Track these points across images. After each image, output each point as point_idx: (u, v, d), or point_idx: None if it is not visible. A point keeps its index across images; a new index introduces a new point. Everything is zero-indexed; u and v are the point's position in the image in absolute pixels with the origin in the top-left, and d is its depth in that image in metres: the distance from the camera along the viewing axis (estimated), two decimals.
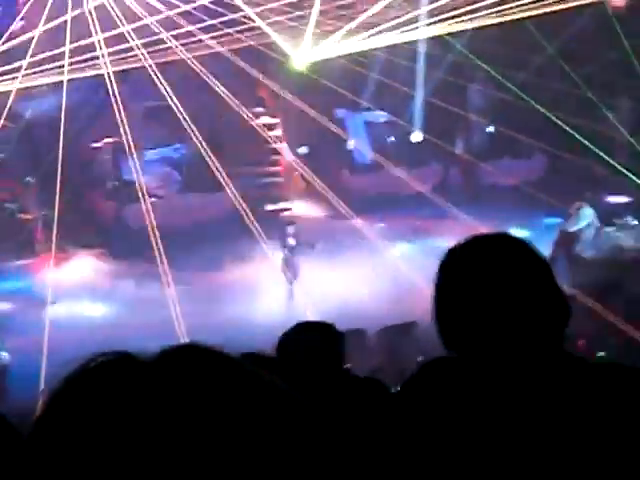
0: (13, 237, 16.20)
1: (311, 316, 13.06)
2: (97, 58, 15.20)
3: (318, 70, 16.44)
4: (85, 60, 15.30)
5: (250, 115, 16.46)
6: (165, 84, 15.31)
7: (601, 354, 10.32)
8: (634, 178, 16.47)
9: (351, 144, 20.02)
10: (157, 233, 14.54)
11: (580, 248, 16.20)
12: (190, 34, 15.86)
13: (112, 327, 13.67)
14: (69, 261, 16.45)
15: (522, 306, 2.01)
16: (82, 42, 15.05)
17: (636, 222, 17.14)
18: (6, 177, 17.27)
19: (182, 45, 15.74)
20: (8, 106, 15.33)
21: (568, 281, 12.39)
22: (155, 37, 15.50)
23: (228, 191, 16.25)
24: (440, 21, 15.87)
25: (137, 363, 0.93)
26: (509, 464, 1.94)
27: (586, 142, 16.08)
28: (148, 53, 15.41)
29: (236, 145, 16.95)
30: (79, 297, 15.33)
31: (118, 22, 15.04)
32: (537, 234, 15.42)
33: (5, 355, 12.97)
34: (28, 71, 15.40)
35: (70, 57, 15.13)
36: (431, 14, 16.04)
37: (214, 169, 15.63)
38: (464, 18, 15.40)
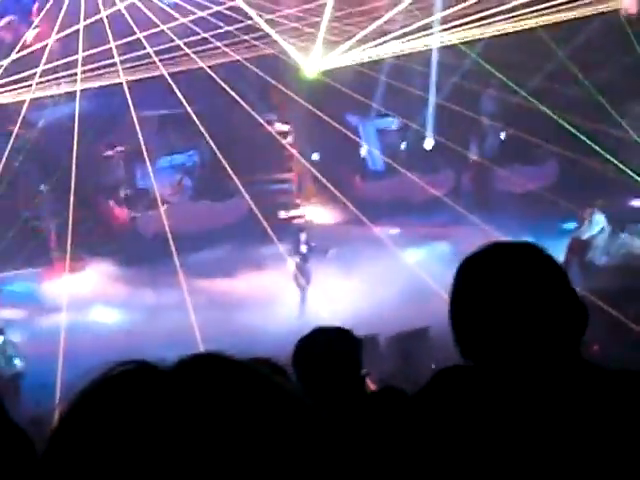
0: (27, 245, 16.26)
1: (323, 322, 13.05)
2: (111, 66, 15.26)
3: (330, 77, 16.46)
4: (99, 68, 15.36)
5: (263, 122, 16.50)
6: (178, 92, 15.36)
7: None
8: None
9: (363, 151, 20.02)
10: (170, 240, 14.57)
11: (593, 255, 16.15)
12: (203, 42, 15.91)
13: (126, 334, 13.70)
14: (83, 268, 16.49)
15: (540, 314, 2.00)
16: (96, 50, 15.11)
17: None
18: (20, 185, 17.34)
19: (195, 53, 15.79)
20: (22, 114, 15.41)
21: (581, 288, 12.33)
22: (168, 45, 15.56)
23: (240, 198, 16.29)
24: (452, 28, 15.87)
25: (157, 372, 0.94)
26: (527, 474, 1.94)
27: (599, 148, 16.05)
28: (161, 61, 15.46)
29: (248, 152, 16.97)
30: (93, 304, 15.38)
31: (132, 30, 15.10)
32: (550, 240, 15.38)
33: (19, 363, 13.02)
34: (42, 79, 15.48)
35: (84, 65, 15.19)
36: (443, 22, 16.05)
37: (226, 176, 15.66)
38: (477, 24, 15.40)
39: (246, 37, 15.93)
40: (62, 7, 15.20)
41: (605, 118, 17.16)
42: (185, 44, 15.64)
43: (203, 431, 0.87)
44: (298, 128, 18.13)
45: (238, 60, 16.17)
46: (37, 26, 16.13)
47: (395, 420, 2.94)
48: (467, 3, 15.20)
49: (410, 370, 11.51)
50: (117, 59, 15.16)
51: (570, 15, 15.39)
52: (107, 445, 0.88)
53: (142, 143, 15.42)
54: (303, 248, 16.10)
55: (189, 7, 15.83)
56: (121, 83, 15.49)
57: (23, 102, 15.45)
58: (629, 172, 16.66)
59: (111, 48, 15.07)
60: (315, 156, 18.77)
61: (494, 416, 1.98)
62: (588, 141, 15.95)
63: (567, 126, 16.02)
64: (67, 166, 14.99)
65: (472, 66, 17.48)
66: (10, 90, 15.07)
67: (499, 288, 2.03)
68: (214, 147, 15.50)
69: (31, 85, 15.27)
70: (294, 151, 16.56)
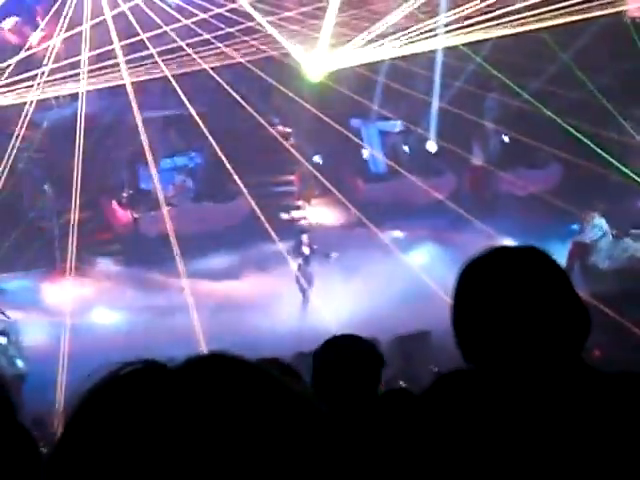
0: (31, 245, 16.28)
1: (325, 325, 13.06)
2: (114, 67, 15.29)
3: (333, 79, 16.47)
4: (102, 69, 15.39)
5: (265, 124, 16.51)
6: (181, 93, 15.38)
7: None
8: None
9: (366, 153, 20.03)
10: (173, 241, 14.59)
11: (596, 258, 16.13)
12: (206, 44, 15.93)
13: (128, 335, 13.71)
14: (86, 269, 16.50)
15: (542, 318, 2.00)
16: (99, 51, 15.14)
17: None
18: (24, 186, 17.37)
19: (198, 55, 15.81)
20: (27, 115, 15.43)
21: (584, 291, 12.33)
22: (170, 46, 15.58)
23: (243, 200, 16.30)
24: (456, 30, 15.87)
25: (165, 371, 0.95)
26: (531, 477, 1.93)
27: (602, 152, 16.05)
28: (164, 62, 15.48)
29: (251, 154, 16.98)
30: (96, 305, 15.40)
31: (136, 32, 15.12)
32: (553, 243, 15.37)
33: (21, 364, 13.02)
34: (46, 80, 15.51)
35: (87, 66, 15.22)
36: (447, 24, 16.05)
37: (229, 178, 15.67)
38: (480, 27, 15.40)
39: (249, 39, 15.94)
40: (66, 9, 15.22)
41: (609, 122, 17.16)
42: (188, 45, 15.66)
43: (211, 429, 0.88)
44: (300, 130, 18.13)
45: (241, 62, 16.18)
46: (41, 28, 16.16)
47: (398, 425, 2.94)
48: (470, 4, 15.20)
49: (411, 373, 11.52)
50: (121, 60, 15.18)
51: (574, 18, 15.38)
52: (117, 443, 0.89)
53: (145, 144, 15.44)
54: (305, 250, 16.11)
55: (192, 9, 15.86)
56: (124, 84, 15.51)
57: (27, 103, 15.47)
58: (633, 176, 16.65)
59: (114, 49, 15.08)
60: (317, 158, 18.78)
61: (497, 421, 1.98)
62: (591, 145, 15.95)
63: (570, 129, 16.01)
64: (71, 167, 15.00)
65: (475, 69, 17.48)
66: (14, 91, 15.10)
67: (501, 292, 2.02)
68: (217, 149, 15.51)
69: (35, 86, 15.29)
70: (296, 153, 16.56)
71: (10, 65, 15.18)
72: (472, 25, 15.43)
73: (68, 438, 0.93)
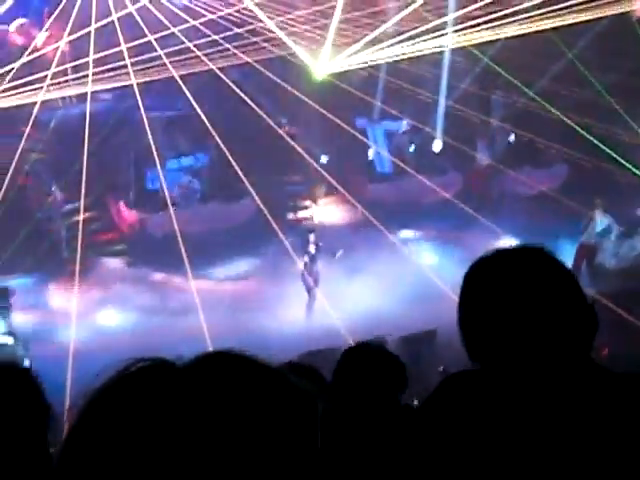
0: (39, 246, 16.31)
1: (332, 324, 13.07)
2: (121, 69, 15.31)
3: (339, 79, 16.47)
4: (109, 71, 15.41)
5: (272, 124, 16.51)
6: (187, 94, 15.39)
7: None
8: None
9: (371, 153, 20.03)
10: (180, 241, 14.60)
11: (602, 257, 16.10)
12: (213, 44, 15.94)
13: (135, 335, 13.73)
14: (93, 270, 16.54)
15: (549, 318, 1.99)
16: (105, 53, 15.16)
17: None
18: (32, 187, 17.41)
19: (204, 55, 15.82)
20: (34, 116, 15.46)
21: (591, 290, 12.32)
22: (177, 47, 15.59)
23: (249, 200, 16.31)
24: (462, 30, 15.85)
25: (174, 369, 0.96)
26: (538, 478, 1.94)
27: (609, 150, 16.02)
28: (170, 63, 15.50)
29: (257, 154, 16.98)
30: (103, 305, 15.42)
31: (142, 32, 15.14)
32: (560, 242, 15.35)
33: (28, 364, 13.03)
34: (53, 81, 15.54)
35: (94, 67, 15.24)
36: (453, 24, 16.03)
37: (235, 178, 15.68)
38: (487, 27, 15.38)
39: (255, 39, 15.95)
40: (73, 10, 15.25)
41: (615, 120, 17.12)
42: (195, 46, 15.67)
43: (218, 425, 0.90)
44: (307, 130, 18.13)
45: (247, 62, 16.19)
46: (48, 29, 16.19)
47: (403, 428, 2.94)
48: (477, 5, 15.18)
49: (418, 372, 11.51)
50: (127, 61, 15.19)
51: (582, 17, 15.35)
52: (125, 440, 0.91)
53: (152, 145, 15.46)
54: (312, 249, 16.11)
55: (198, 9, 15.87)
56: (131, 85, 15.53)
57: (34, 104, 15.51)
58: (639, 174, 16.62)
59: (121, 50, 15.10)
60: (324, 158, 18.78)
61: (504, 422, 1.97)
62: (598, 143, 15.92)
63: (577, 128, 15.98)
64: (78, 168, 15.03)
65: (481, 68, 17.46)
66: (22, 92, 15.13)
67: (507, 292, 2.02)
68: (223, 149, 15.52)
69: (42, 87, 15.32)
70: (303, 153, 16.55)
71: (18, 66, 15.21)
72: (479, 25, 15.41)
73: (77, 434, 0.95)
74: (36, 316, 14.91)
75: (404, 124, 19.55)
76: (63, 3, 15.50)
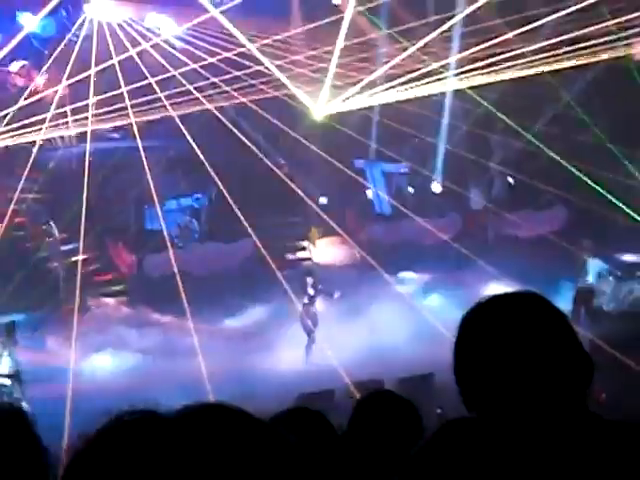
0: (37, 286, 16.29)
1: (330, 366, 13.01)
2: (121, 110, 15.41)
3: (338, 121, 16.57)
4: (109, 112, 15.51)
5: (270, 165, 16.59)
6: (186, 134, 15.48)
7: None
8: None
9: (370, 194, 20.11)
10: (179, 282, 14.58)
11: (601, 301, 16.09)
12: (212, 85, 16.07)
13: (133, 377, 13.67)
14: (92, 310, 16.51)
15: (545, 366, 1.99)
16: (106, 95, 15.27)
17: None
18: (30, 227, 17.44)
19: (204, 96, 15.94)
20: (33, 157, 15.53)
21: (590, 334, 12.28)
22: (176, 90, 15.70)
23: (248, 240, 16.32)
24: (460, 74, 15.98)
25: (161, 422, 0.96)
26: None
27: (606, 193, 16.07)
28: (171, 104, 15.60)
29: (256, 195, 17.05)
30: (101, 347, 15.35)
31: (142, 74, 15.25)
32: (559, 286, 15.35)
33: (25, 406, 12.94)
34: (52, 123, 15.63)
35: (94, 109, 15.35)
36: (451, 67, 16.17)
37: (234, 219, 15.71)
38: (484, 71, 15.50)
39: (254, 81, 16.08)
40: (73, 52, 15.38)
41: (614, 164, 17.20)
42: (195, 88, 15.78)
43: (202, 478, 0.89)
44: (306, 171, 18.22)
45: (246, 103, 16.31)
46: (48, 71, 16.33)
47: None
48: (477, 48, 15.31)
49: None
50: (126, 103, 15.29)
51: (581, 61, 15.48)
52: None
53: (151, 185, 15.51)
54: (310, 291, 16.10)
55: (199, 52, 16.01)
56: (130, 125, 15.62)
57: (33, 144, 15.59)
58: (638, 218, 16.64)
59: (121, 91, 15.21)
60: (323, 199, 18.85)
61: (500, 471, 1.96)
62: (597, 187, 15.98)
63: (576, 172, 16.04)
64: (76, 208, 15.06)
65: (480, 111, 17.57)
66: (21, 133, 15.22)
67: (502, 340, 2.01)
68: (222, 189, 15.56)
69: (41, 128, 15.41)
70: (302, 194, 16.62)
71: (17, 107, 15.31)
72: (477, 69, 15.53)
73: None
74: (33, 357, 14.82)
75: (402, 165, 19.68)
76: (62, 45, 15.64)
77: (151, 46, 15.58)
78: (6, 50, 15.05)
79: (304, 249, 19.29)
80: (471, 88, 16.45)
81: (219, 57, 15.68)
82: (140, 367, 14.85)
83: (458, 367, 2.05)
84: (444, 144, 18.53)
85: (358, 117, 17.49)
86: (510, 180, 19.70)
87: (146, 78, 15.20)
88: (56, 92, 15.61)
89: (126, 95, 15.22)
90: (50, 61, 15.96)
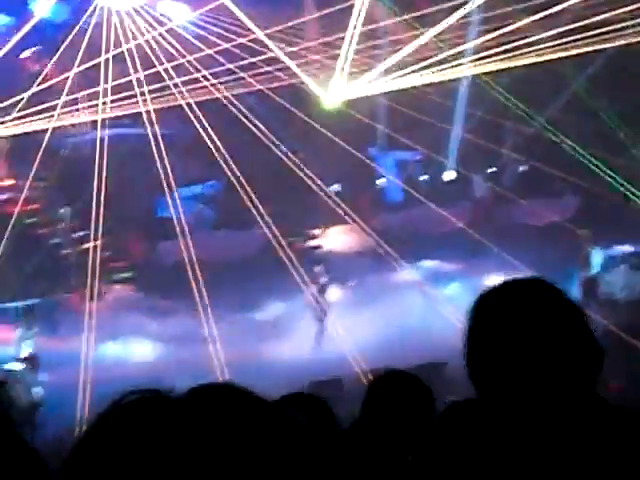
0: (50, 273, 16.35)
1: (341, 354, 13.03)
2: (134, 96, 15.41)
3: (352, 108, 16.53)
4: (122, 99, 15.51)
5: (284, 151, 16.57)
6: (200, 121, 15.47)
7: None
8: None
9: (383, 182, 20.09)
10: (191, 269, 14.61)
11: (610, 290, 16.05)
12: (225, 72, 16.05)
13: (146, 363, 13.74)
14: (103, 297, 16.56)
15: (555, 353, 1.99)
16: (119, 81, 15.27)
17: None
18: (43, 214, 17.50)
19: (217, 82, 15.91)
20: (46, 143, 15.55)
21: (600, 323, 12.26)
22: (188, 77, 15.69)
23: (260, 228, 16.32)
24: (474, 60, 15.90)
25: (166, 401, 0.96)
26: None
27: (619, 180, 16.00)
28: (184, 91, 15.59)
29: (269, 182, 17.04)
30: (113, 333, 15.41)
31: (156, 60, 15.25)
32: (570, 273, 15.31)
33: (38, 392, 13.01)
34: (65, 109, 15.65)
35: (106, 95, 15.35)
36: (466, 54, 16.09)
37: (247, 206, 15.72)
38: (499, 57, 15.41)
39: (269, 68, 16.05)
40: (86, 37, 15.38)
41: (628, 152, 17.12)
42: (208, 74, 15.77)
43: (207, 459, 0.89)
44: (319, 159, 18.20)
45: (260, 90, 16.28)
46: (60, 57, 16.32)
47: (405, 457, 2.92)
48: (491, 35, 15.23)
49: None
50: (138, 90, 15.29)
51: (594, 47, 15.37)
52: (117, 471, 0.90)
53: (164, 172, 15.52)
54: (322, 278, 16.11)
55: (212, 38, 15.99)
56: (143, 112, 15.62)
57: (46, 131, 15.61)
58: None
59: (134, 77, 15.20)
60: (336, 186, 18.84)
61: (505, 455, 1.96)
62: (608, 173, 15.90)
63: (587, 159, 15.97)
64: (89, 195, 15.10)
65: (493, 98, 17.49)
66: (34, 120, 15.24)
67: (512, 326, 2.01)
68: (236, 177, 15.56)
69: (54, 115, 15.43)
70: (315, 181, 16.60)
71: (30, 93, 15.33)
72: (491, 55, 15.44)
73: (70, 465, 0.95)
74: (46, 342, 14.90)
75: (415, 153, 19.64)
76: (75, 31, 15.64)
77: (162, 33, 15.55)
78: (19, 36, 15.07)
79: (317, 236, 19.29)
80: (485, 74, 16.37)
81: (232, 43, 15.65)
82: (152, 354, 14.92)
83: (469, 354, 2.06)
84: (459, 131, 18.47)
85: (371, 104, 17.43)
86: (522, 167, 19.63)
87: (159, 64, 15.19)
88: (67, 79, 15.61)
89: (139, 82, 15.21)
90: (62, 48, 15.95)
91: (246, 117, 16.02)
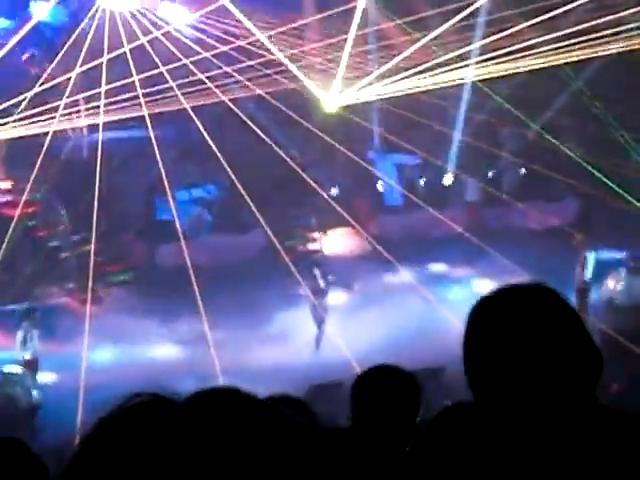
0: (49, 275, 16.34)
1: (340, 358, 13.02)
2: (133, 100, 15.40)
3: (351, 112, 16.54)
4: (121, 102, 15.51)
5: (282, 156, 16.57)
6: (198, 125, 15.47)
7: None
8: None
9: (381, 185, 20.09)
10: (190, 273, 14.60)
11: (610, 295, 16.04)
12: (224, 75, 16.05)
13: (145, 367, 13.71)
14: (102, 300, 16.55)
15: (554, 358, 1.99)
16: (117, 84, 15.27)
17: None
18: (42, 216, 17.49)
19: (217, 86, 15.91)
20: (46, 146, 15.55)
21: (600, 327, 12.26)
22: (188, 80, 15.68)
23: (259, 232, 16.33)
24: (474, 64, 15.91)
25: (170, 405, 0.96)
26: None
27: (619, 184, 16.01)
28: (183, 94, 15.59)
29: (267, 186, 17.05)
30: (112, 336, 15.38)
31: (154, 63, 15.25)
32: (569, 277, 15.29)
33: (37, 395, 13.00)
34: (66, 110, 15.64)
35: (106, 98, 15.34)
36: (464, 58, 16.10)
37: (245, 210, 15.72)
38: (498, 61, 15.43)
39: (268, 72, 16.04)
40: (85, 41, 15.38)
41: (627, 155, 17.13)
42: (207, 77, 15.76)
43: (210, 463, 0.89)
44: (317, 162, 18.21)
45: (259, 94, 16.28)
46: (60, 60, 16.32)
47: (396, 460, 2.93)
48: (489, 39, 15.25)
49: (423, 409, 11.42)
50: (139, 92, 15.29)
51: (594, 53, 15.38)
52: (118, 475, 0.90)
53: (162, 176, 15.52)
54: (321, 282, 16.10)
55: (211, 41, 15.98)
56: (143, 116, 15.62)
57: (46, 134, 15.61)
58: None
59: (133, 81, 15.20)
60: (334, 190, 18.84)
61: (503, 461, 1.96)
62: (609, 178, 15.92)
63: (588, 163, 15.98)
64: (88, 198, 15.09)
65: (494, 103, 17.51)
66: (33, 122, 15.24)
67: (511, 331, 2.01)
68: (234, 180, 15.56)
69: (54, 118, 15.43)
70: (313, 185, 16.61)
71: (30, 96, 15.32)
72: (490, 59, 15.46)
73: (73, 469, 0.94)
74: (45, 346, 14.88)
75: (414, 157, 19.64)
76: (75, 34, 15.64)
77: (162, 35, 15.54)
78: (17, 38, 15.06)
79: (315, 240, 19.29)
80: (483, 80, 16.38)
81: (231, 46, 15.64)
82: (150, 357, 14.89)
83: (467, 359, 2.05)
84: (457, 135, 18.48)
85: (370, 108, 17.44)
86: (521, 171, 19.64)
87: (158, 68, 15.18)
88: (68, 82, 15.60)
89: (138, 85, 15.21)
90: (62, 51, 15.95)
91: (245, 120, 16.02)
